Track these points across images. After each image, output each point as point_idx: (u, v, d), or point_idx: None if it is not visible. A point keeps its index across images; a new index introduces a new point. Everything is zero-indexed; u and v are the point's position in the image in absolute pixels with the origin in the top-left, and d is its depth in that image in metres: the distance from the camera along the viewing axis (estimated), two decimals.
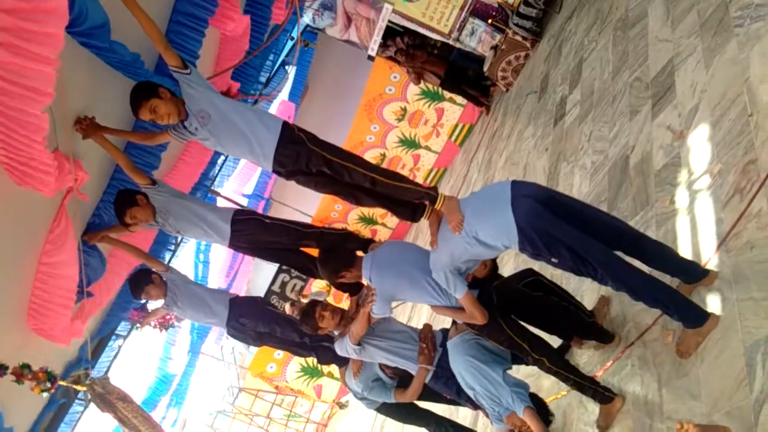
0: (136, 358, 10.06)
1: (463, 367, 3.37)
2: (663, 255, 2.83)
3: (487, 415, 3.45)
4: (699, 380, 2.60)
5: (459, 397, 3.67)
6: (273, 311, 4.75)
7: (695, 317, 2.65)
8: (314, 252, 3.91)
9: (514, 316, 3.29)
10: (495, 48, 8.17)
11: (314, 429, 12.82)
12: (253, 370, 12.34)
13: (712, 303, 2.72)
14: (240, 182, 10.83)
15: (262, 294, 10.16)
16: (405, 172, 11.87)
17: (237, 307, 4.58)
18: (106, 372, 5.87)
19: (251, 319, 4.50)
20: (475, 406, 3.55)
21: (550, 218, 2.69)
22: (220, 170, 7.75)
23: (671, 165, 3.56)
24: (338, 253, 3.33)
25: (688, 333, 2.70)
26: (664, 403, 2.76)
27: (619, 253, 2.80)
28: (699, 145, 3.38)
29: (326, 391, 11.78)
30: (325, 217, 11.05)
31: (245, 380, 12.88)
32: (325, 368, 10.92)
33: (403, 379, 3.92)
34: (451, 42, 8.66)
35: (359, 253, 3.39)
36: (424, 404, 4.23)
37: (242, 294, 10.40)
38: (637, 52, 4.70)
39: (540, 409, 3.25)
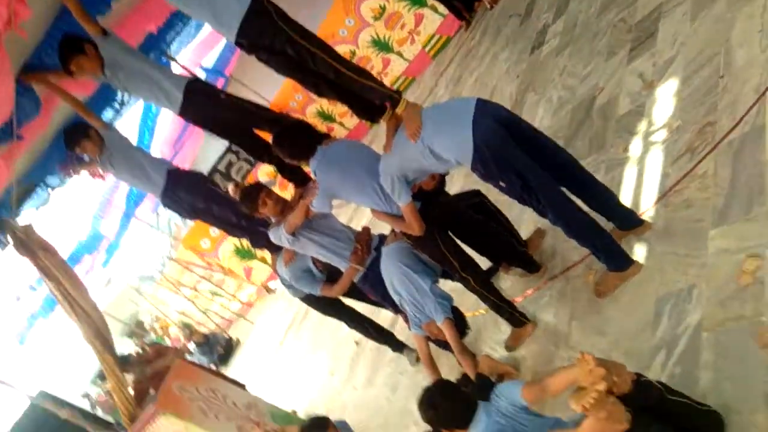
0: (68, 212, 9.80)
1: (393, 273, 3.44)
2: (605, 199, 2.89)
3: (407, 321, 3.57)
4: (608, 319, 2.74)
5: (383, 301, 3.77)
6: (213, 189, 4.65)
7: (620, 261, 2.76)
8: (267, 137, 3.79)
9: (452, 232, 3.34)
10: None
11: (239, 308, 13.10)
12: (187, 243, 12.31)
13: (639, 252, 2.83)
14: (199, 54, 10.25)
15: (206, 171, 9.95)
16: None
17: (175, 178, 4.45)
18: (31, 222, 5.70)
19: (189, 194, 4.40)
20: (397, 310, 3.67)
21: (507, 142, 2.66)
22: (178, 36, 7.24)
23: (634, 113, 3.57)
24: (296, 139, 3.23)
25: (610, 275, 2.81)
26: (571, 335, 2.92)
27: (564, 189, 2.84)
28: (665, 98, 3.38)
29: (256, 274, 11.94)
30: (284, 105, 10.68)
31: (177, 251, 12.85)
32: (259, 252, 10.99)
33: (332, 274, 3.97)
34: None
35: None
36: (348, 301, 4.34)
37: (186, 168, 10.16)
38: None
39: (459, 321, 3.39)
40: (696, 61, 3.28)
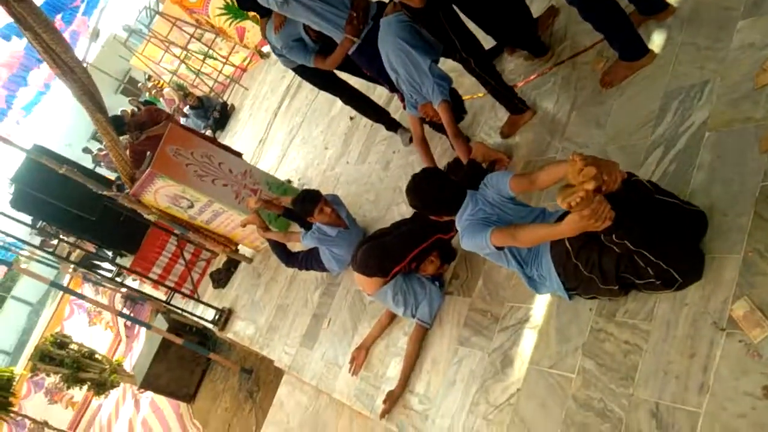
0: None
1: (391, 48, 3.21)
2: None
3: (402, 100, 3.45)
4: (610, 112, 2.64)
5: (379, 77, 3.60)
6: None
7: (634, 50, 2.56)
8: None
9: (456, 5, 3.04)
10: None
11: (232, 71, 12.77)
12: None
13: (657, 40, 2.61)
14: None
15: None
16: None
17: None
18: None
19: None
20: (393, 88, 3.52)
21: None
22: None
23: None
24: None
25: (620, 64, 2.63)
26: (569, 125, 2.85)
27: None
28: None
29: (249, 36, 11.37)
30: None
31: (164, 5, 12.05)
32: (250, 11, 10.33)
33: (326, 44, 3.72)
34: None
35: None
36: (343, 75, 4.15)
37: None
38: None
39: (456, 104, 3.27)
40: None
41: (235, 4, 10.10)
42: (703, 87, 2.27)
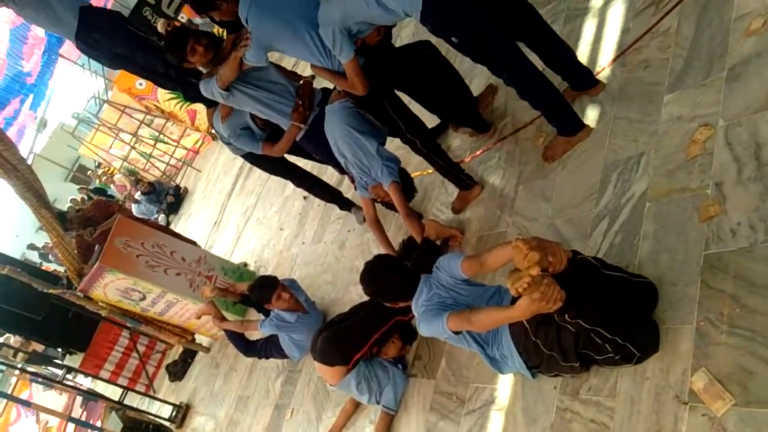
0: None
1: (338, 134, 3.26)
2: (562, 55, 2.70)
3: (353, 182, 3.47)
4: (555, 185, 2.70)
5: (328, 160, 3.63)
6: (134, 32, 4.12)
7: (570, 126, 2.65)
8: None
9: (398, 88, 3.12)
10: None
11: (184, 155, 12.74)
12: (121, 84, 11.53)
13: (591, 114, 2.72)
14: None
15: (132, 3, 8.93)
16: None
17: (90, 17, 3.90)
18: None
19: (107, 37, 3.89)
20: (343, 171, 3.55)
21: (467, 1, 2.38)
22: None
23: None
24: None
25: (560, 139, 2.72)
26: (516, 199, 2.90)
27: (519, 43, 2.62)
28: None
29: (201, 118, 11.40)
30: None
31: (112, 93, 12.07)
32: None
33: (273, 132, 3.75)
34: None
35: None
36: (292, 158, 4.17)
37: (108, 5, 9.13)
38: None
39: (405, 183, 3.31)
40: None
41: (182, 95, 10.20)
42: (639, 159, 2.35)
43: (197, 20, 8.76)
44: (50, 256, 12.82)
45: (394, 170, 3.18)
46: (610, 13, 2.98)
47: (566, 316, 1.79)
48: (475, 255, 2.16)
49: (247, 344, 4.34)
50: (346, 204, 4.33)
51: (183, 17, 8.96)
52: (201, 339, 6.05)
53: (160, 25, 8.30)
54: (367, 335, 2.99)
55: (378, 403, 3.02)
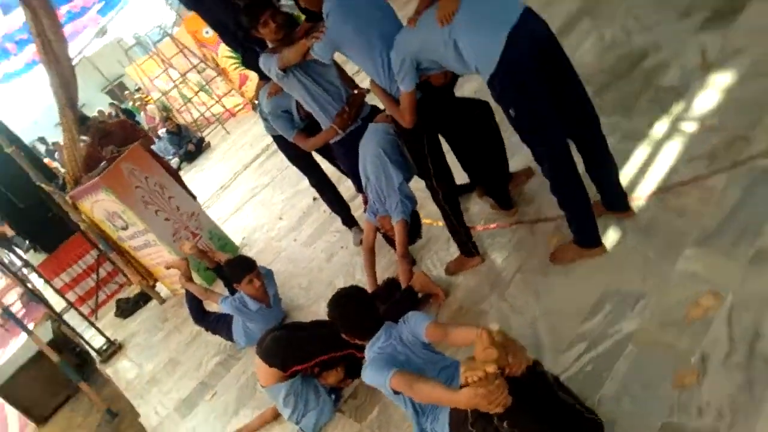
0: None
1: (370, 154, 3.25)
2: (606, 171, 2.69)
3: (366, 203, 3.46)
4: (551, 288, 2.67)
5: (350, 174, 3.62)
6: None
7: (588, 239, 2.63)
8: None
9: (443, 135, 3.11)
10: None
11: (221, 112, 12.81)
12: (189, 26, 11.68)
13: (611, 235, 2.70)
14: None
15: None
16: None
17: None
18: None
19: None
20: (360, 189, 3.53)
21: (536, 72, 2.37)
22: None
23: (677, 90, 3.28)
24: None
25: (572, 246, 2.70)
26: (511, 285, 2.86)
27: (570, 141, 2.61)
28: (715, 88, 3.11)
29: (250, 85, 11.49)
30: None
31: (178, 30, 12.20)
32: None
33: (311, 126, 3.74)
34: None
35: None
36: (318, 158, 4.17)
37: None
38: None
39: (413, 225, 3.29)
40: (763, 63, 2.95)
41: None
42: (639, 298, 2.31)
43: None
44: (56, 154, 12.85)
45: (407, 209, 3.16)
46: (665, 148, 2.98)
47: (505, 423, 1.74)
48: (443, 324, 2.13)
49: (201, 312, 4.28)
50: (349, 220, 4.31)
51: None
52: (161, 288, 5.98)
53: None
54: (316, 353, 2.93)
55: (297, 423, 2.95)
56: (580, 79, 2.51)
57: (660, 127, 3.14)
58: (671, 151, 2.94)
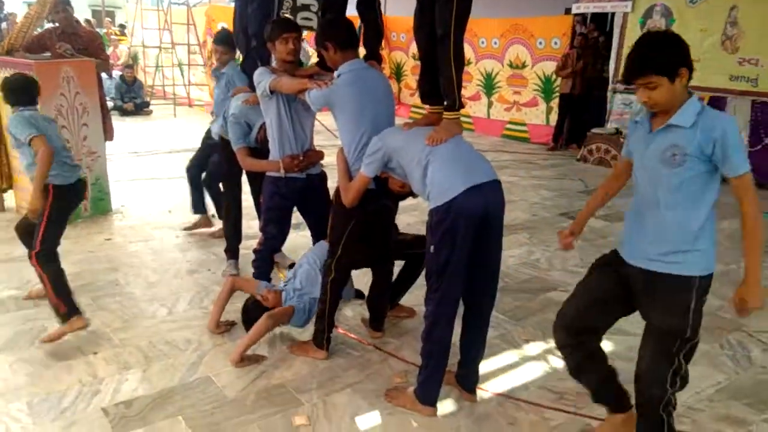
0: None
1: (312, 261, 3.31)
2: (475, 347, 2.78)
3: (260, 243, 3.41)
4: (368, 418, 2.62)
5: (264, 212, 3.55)
6: None
7: (427, 396, 2.65)
8: None
9: (370, 230, 3.13)
10: None
11: (183, 96, 12.53)
12: (210, 10, 11.74)
13: (446, 406, 2.72)
14: None
15: None
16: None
17: None
18: None
19: None
20: (264, 228, 3.48)
21: (471, 230, 2.50)
22: None
23: None
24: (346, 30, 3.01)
25: (410, 394, 2.69)
26: (336, 394, 2.78)
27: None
28: None
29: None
30: None
31: (196, 6, 12.20)
32: None
33: (260, 152, 3.70)
34: None
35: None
36: (244, 179, 4.10)
37: None
38: None
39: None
40: None
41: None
42: None
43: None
44: (5, 23, 11.96)
45: (301, 317, 3.19)
46: (530, 365, 3.13)
47: None
48: None
49: None
50: (233, 253, 4.17)
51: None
52: (9, 198, 5.40)
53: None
54: None
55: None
56: (500, 263, 2.69)
57: (535, 347, 3.33)
58: (533, 370, 3.09)
